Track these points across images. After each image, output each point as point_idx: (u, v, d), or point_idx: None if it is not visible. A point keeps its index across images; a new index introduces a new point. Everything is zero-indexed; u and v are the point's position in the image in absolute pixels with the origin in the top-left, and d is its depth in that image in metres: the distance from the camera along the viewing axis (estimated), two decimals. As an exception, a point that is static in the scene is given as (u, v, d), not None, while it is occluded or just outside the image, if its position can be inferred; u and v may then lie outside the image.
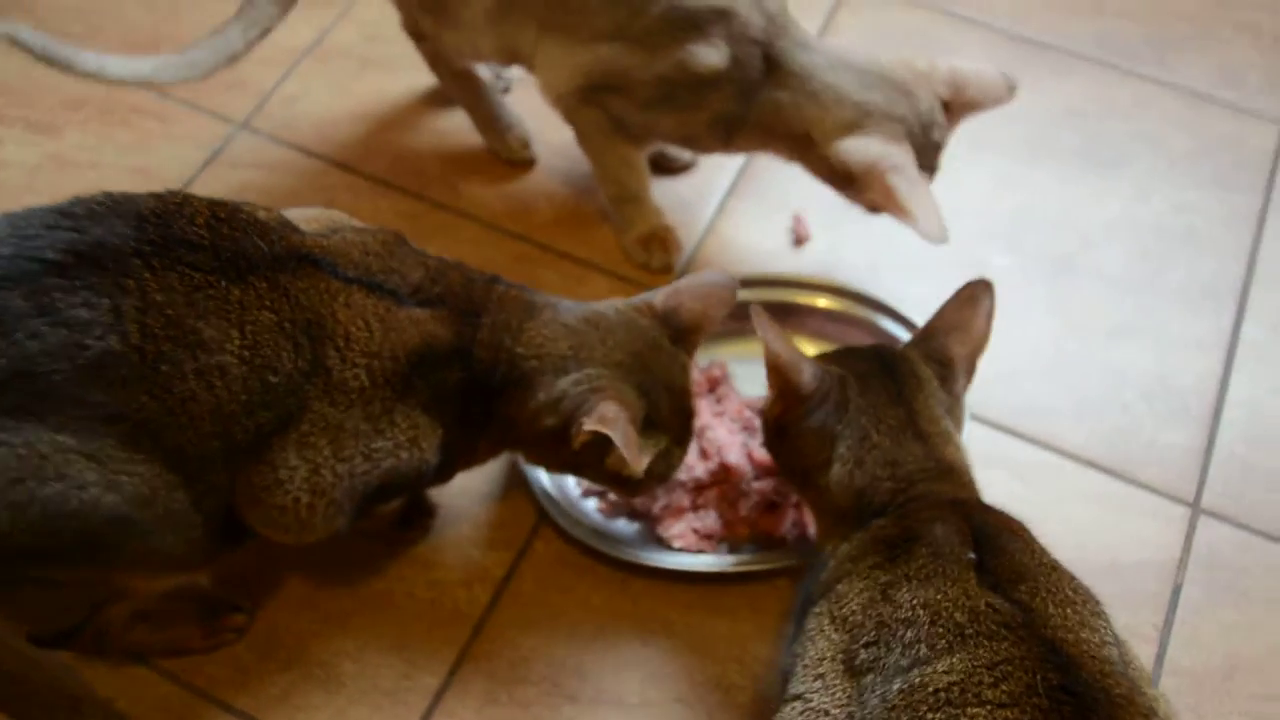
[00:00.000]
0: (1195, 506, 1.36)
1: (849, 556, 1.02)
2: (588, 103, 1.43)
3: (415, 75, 1.74)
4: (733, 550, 1.29)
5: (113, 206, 1.00)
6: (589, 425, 1.08)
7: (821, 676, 0.94)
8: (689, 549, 1.28)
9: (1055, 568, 0.96)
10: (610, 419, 1.07)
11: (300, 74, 1.75)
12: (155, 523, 1.01)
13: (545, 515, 1.32)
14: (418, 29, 1.57)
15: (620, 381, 1.13)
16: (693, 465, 1.31)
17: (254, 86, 1.73)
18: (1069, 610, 0.90)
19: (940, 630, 0.88)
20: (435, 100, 1.72)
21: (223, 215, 1.03)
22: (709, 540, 1.29)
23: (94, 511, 0.97)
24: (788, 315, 1.44)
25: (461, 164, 1.65)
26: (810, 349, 1.42)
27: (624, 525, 1.33)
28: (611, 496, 1.32)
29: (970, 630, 0.87)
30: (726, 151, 1.46)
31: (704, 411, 1.35)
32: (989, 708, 0.80)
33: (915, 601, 0.92)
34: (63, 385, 0.94)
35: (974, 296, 1.15)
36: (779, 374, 1.11)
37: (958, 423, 1.14)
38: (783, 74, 1.36)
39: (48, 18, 1.81)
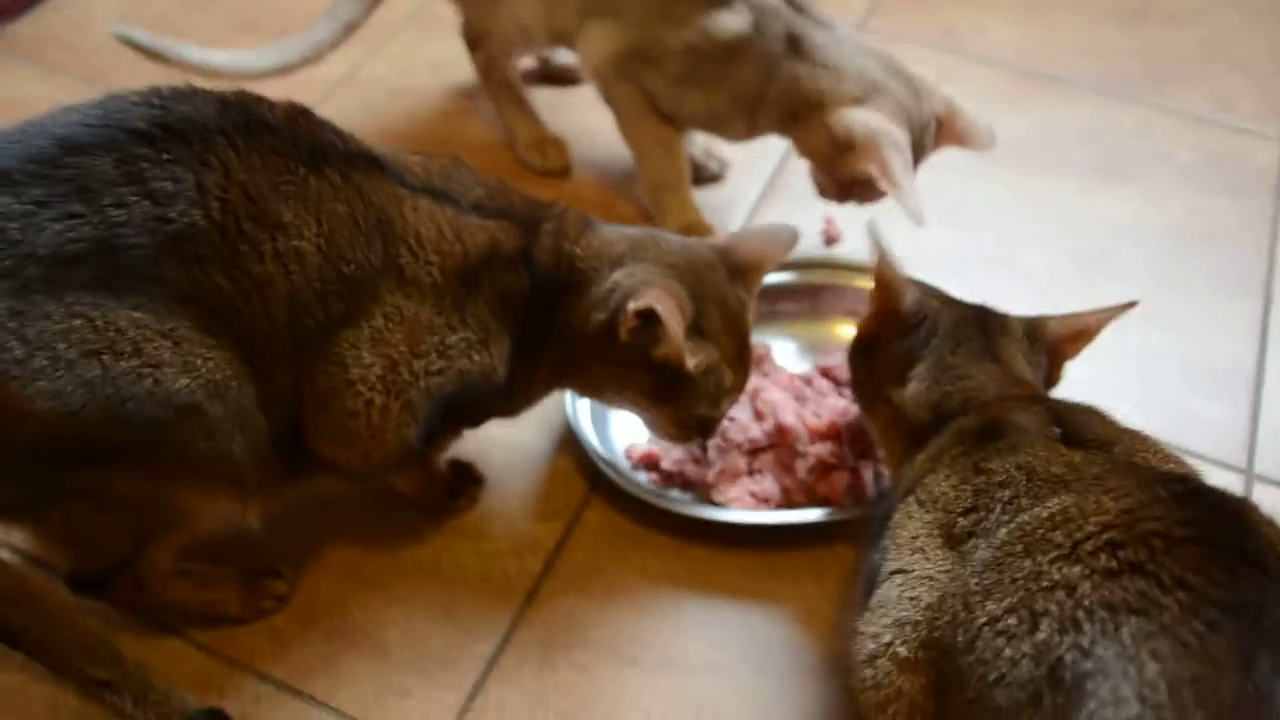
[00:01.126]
0: (1249, 473, 1.35)
1: (929, 457, 1.01)
2: (623, 76, 1.47)
3: (446, 101, 1.78)
4: (790, 514, 1.26)
5: (196, 90, 1.00)
6: (635, 304, 1.05)
7: (921, 550, 0.92)
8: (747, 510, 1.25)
9: (1139, 433, 0.95)
10: (657, 297, 1.05)
11: (333, 101, 1.79)
12: (224, 419, 0.97)
13: (598, 482, 1.29)
14: (475, 32, 1.63)
15: (671, 279, 1.11)
16: (748, 426, 1.29)
17: (287, 111, 1.76)
18: (1166, 456, 0.89)
19: (1041, 482, 0.88)
20: (468, 120, 1.75)
21: (298, 109, 1.03)
22: (766, 504, 1.26)
23: (167, 395, 0.93)
24: (822, 295, 1.46)
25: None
26: (850, 327, 1.44)
27: (678, 495, 1.29)
28: (665, 462, 1.29)
29: (1072, 476, 0.87)
30: (751, 134, 1.49)
31: (755, 378, 1.33)
32: (1112, 514, 0.78)
33: (1009, 465, 0.91)
34: (142, 261, 0.92)
35: (1108, 309, 1.13)
36: (883, 291, 1.13)
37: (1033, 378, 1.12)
38: (804, 49, 1.42)
39: (87, 54, 1.85)
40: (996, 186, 1.69)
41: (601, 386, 1.19)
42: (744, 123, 1.47)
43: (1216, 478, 1.31)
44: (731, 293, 1.16)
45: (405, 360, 1.03)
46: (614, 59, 1.46)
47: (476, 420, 1.20)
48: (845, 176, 1.42)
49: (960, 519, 0.89)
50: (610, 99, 1.51)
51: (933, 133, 1.45)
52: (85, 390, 0.90)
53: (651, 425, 1.23)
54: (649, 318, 1.06)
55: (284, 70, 1.61)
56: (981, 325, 1.12)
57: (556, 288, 1.12)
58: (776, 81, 1.42)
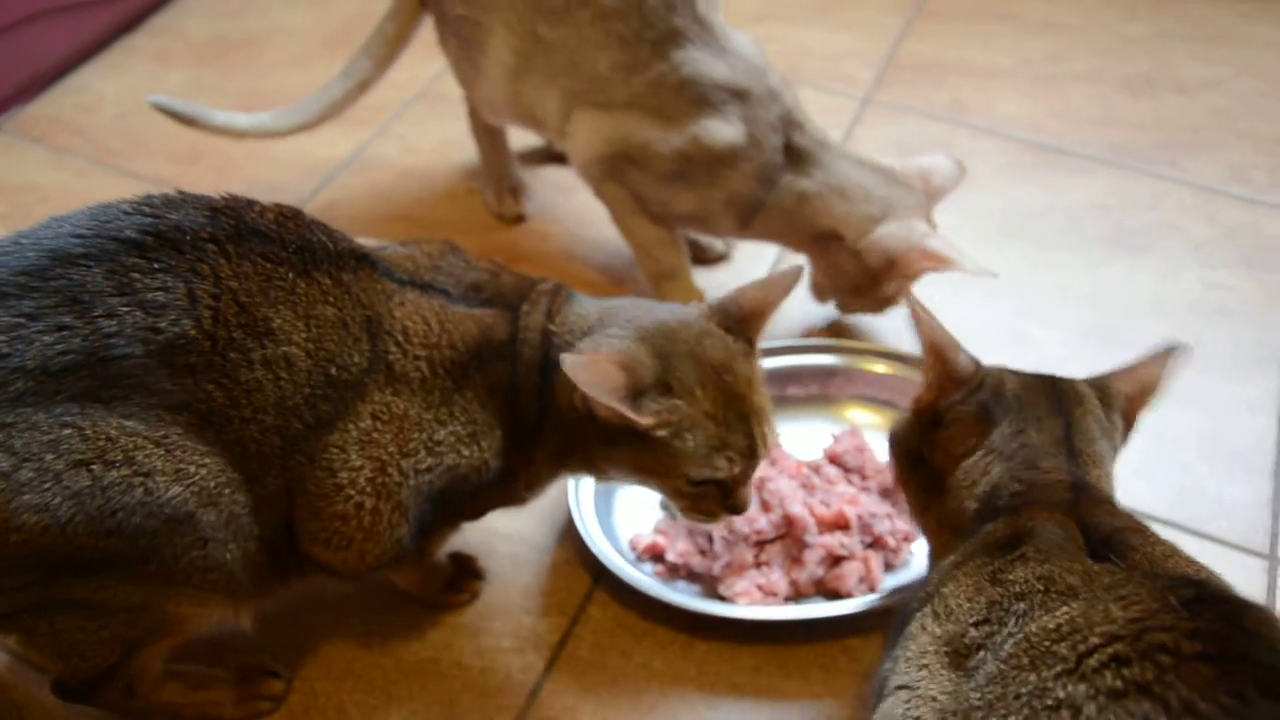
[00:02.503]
0: (1273, 558, 1.31)
1: (953, 564, 0.97)
2: (611, 176, 1.46)
3: (452, 182, 1.78)
4: (799, 608, 1.23)
5: (187, 198, 1.00)
6: (565, 362, 0.99)
7: (926, 667, 0.88)
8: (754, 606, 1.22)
9: (1178, 551, 0.91)
10: (573, 362, 0.98)
11: (339, 184, 1.79)
12: (217, 527, 0.96)
13: (601, 575, 1.26)
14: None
15: (631, 341, 1.05)
16: (755, 518, 1.26)
17: (294, 193, 1.76)
18: (1192, 565, 0.85)
19: (1055, 594, 0.84)
20: (474, 201, 1.75)
21: (288, 213, 1.03)
22: (773, 597, 1.23)
23: (158, 505, 0.92)
24: (831, 379, 1.44)
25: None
26: (860, 412, 1.42)
27: (684, 588, 1.26)
28: (670, 554, 1.26)
29: (1084, 586, 0.83)
30: (741, 236, 1.49)
31: (761, 467, 1.31)
32: (1119, 623, 0.75)
33: (1030, 575, 0.87)
34: (134, 371, 0.92)
35: (1162, 353, 1.08)
36: (936, 356, 1.06)
37: (1112, 451, 1.06)
38: (807, 166, 1.41)
39: (97, 137, 1.87)
40: (1009, 259, 1.67)
41: (599, 464, 1.13)
42: (735, 224, 1.45)
43: (1239, 564, 1.30)
44: (717, 345, 1.08)
45: (394, 460, 1.02)
46: (601, 159, 1.45)
47: (476, 513, 1.18)
48: (891, 292, 1.44)
49: (971, 630, 0.86)
50: (600, 195, 1.51)
51: (929, 208, 1.46)
52: (73, 502, 0.89)
53: (670, 503, 1.17)
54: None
55: (302, 129, 1.65)
56: (1056, 397, 1.05)
57: (544, 371, 1.09)
58: (777, 193, 1.41)
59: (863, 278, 1.44)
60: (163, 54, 2.05)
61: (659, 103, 1.39)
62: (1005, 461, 1.01)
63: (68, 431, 0.89)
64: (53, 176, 1.81)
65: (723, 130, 1.38)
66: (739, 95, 1.39)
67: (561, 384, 1.06)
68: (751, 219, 1.44)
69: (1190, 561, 0.91)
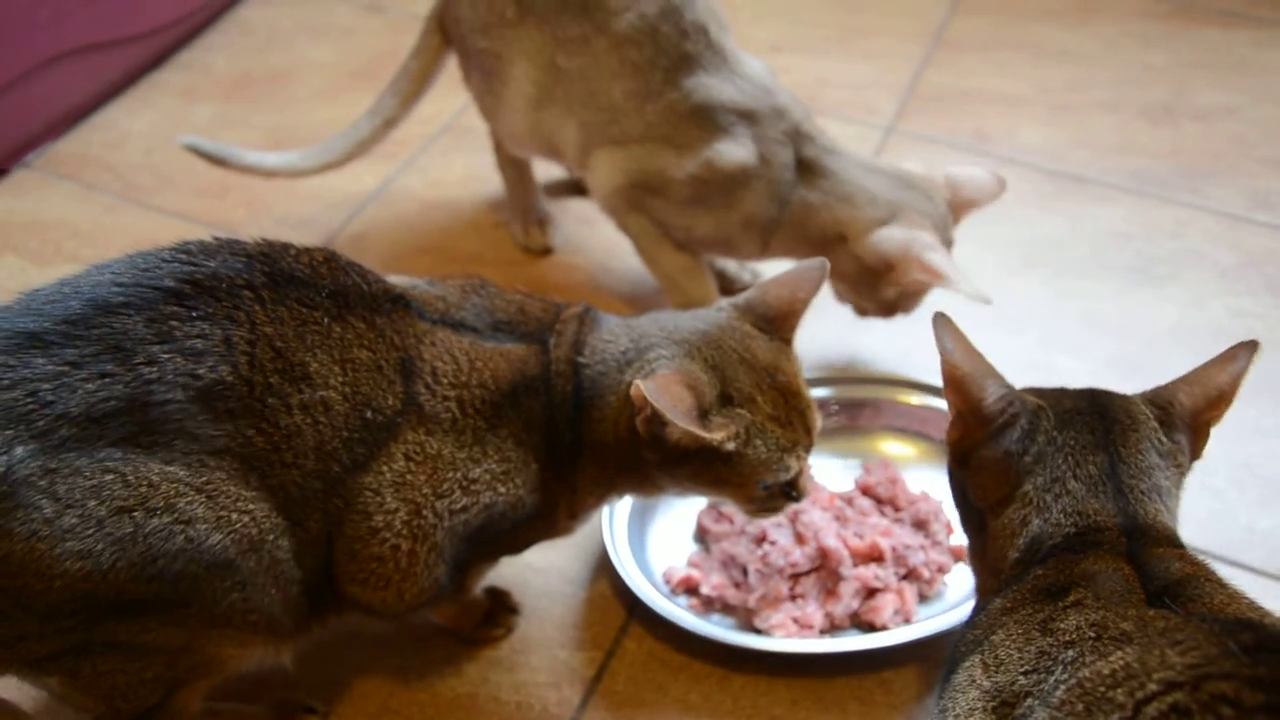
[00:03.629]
0: (1308, 588, 1.31)
1: (1002, 609, 0.94)
2: (633, 206, 1.49)
3: (478, 214, 1.80)
4: (835, 641, 1.23)
5: (224, 244, 1.02)
6: (633, 393, 1.00)
7: None
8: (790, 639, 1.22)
9: (1241, 595, 0.89)
10: (648, 387, 0.99)
11: (366, 215, 1.80)
12: (258, 571, 0.97)
13: (636, 609, 1.26)
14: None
15: (684, 359, 1.06)
16: (789, 550, 1.26)
17: (322, 227, 1.78)
18: (1255, 609, 0.84)
19: (1108, 639, 0.82)
20: (500, 233, 1.76)
21: (322, 257, 1.04)
22: (809, 630, 1.22)
23: (199, 552, 0.93)
24: (862, 410, 1.44)
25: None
26: (892, 443, 1.43)
27: (719, 621, 1.26)
28: (705, 587, 1.27)
29: (1138, 631, 0.81)
30: (764, 257, 1.51)
31: (794, 500, 1.31)
32: (1177, 669, 0.73)
33: (1079, 623, 0.84)
34: (175, 416, 0.93)
35: (1230, 355, 1.00)
36: (957, 389, 1.00)
37: (1177, 475, 0.99)
38: (814, 177, 1.44)
39: (125, 173, 1.89)
40: (1033, 289, 1.68)
41: (661, 485, 1.13)
42: (756, 245, 1.47)
43: (1273, 593, 1.30)
44: (760, 346, 1.10)
45: (429, 502, 1.02)
46: (620, 191, 1.48)
47: (517, 548, 1.18)
48: (890, 296, 1.44)
49: (1021, 678, 0.84)
50: (624, 229, 1.53)
51: (951, 221, 1.47)
52: (115, 548, 0.89)
53: (729, 506, 1.18)
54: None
55: (329, 167, 1.68)
56: (1100, 417, 0.97)
57: (578, 402, 1.09)
58: (790, 209, 1.44)
59: (862, 278, 1.45)
60: (189, 90, 2.07)
61: (672, 131, 1.43)
62: (1042, 513, 0.95)
63: (110, 477, 0.90)
64: (82, 212, 1.83)
65: (734, 152, 1.41)
66: (747, 116, 1.43)
67: (609, 412, 1.07)
68: (770, 238, 1.47)
69: (1254, 606, 0.88)
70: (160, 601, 0.94)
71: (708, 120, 1.41)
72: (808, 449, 1.11)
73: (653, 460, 1.08)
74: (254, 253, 1.01)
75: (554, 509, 1.13)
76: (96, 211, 1.82)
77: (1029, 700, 0.82)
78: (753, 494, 1.10)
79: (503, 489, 1.06)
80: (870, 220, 1.42)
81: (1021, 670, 0.85)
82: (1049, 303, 1.67)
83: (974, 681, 0.89)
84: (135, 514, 0.90)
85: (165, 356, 0.93)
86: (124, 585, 0.91)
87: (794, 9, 2.27)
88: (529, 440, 1.08)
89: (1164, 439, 0.98)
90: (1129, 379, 1.54)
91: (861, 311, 1.51)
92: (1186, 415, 1.00)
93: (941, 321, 1.00)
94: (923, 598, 1.27)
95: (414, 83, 1.66)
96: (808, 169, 1.44)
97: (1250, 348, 0.99)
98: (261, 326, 0.97)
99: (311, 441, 0.98)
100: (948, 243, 1.46)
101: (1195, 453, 1.01)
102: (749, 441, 1.06)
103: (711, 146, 1.41)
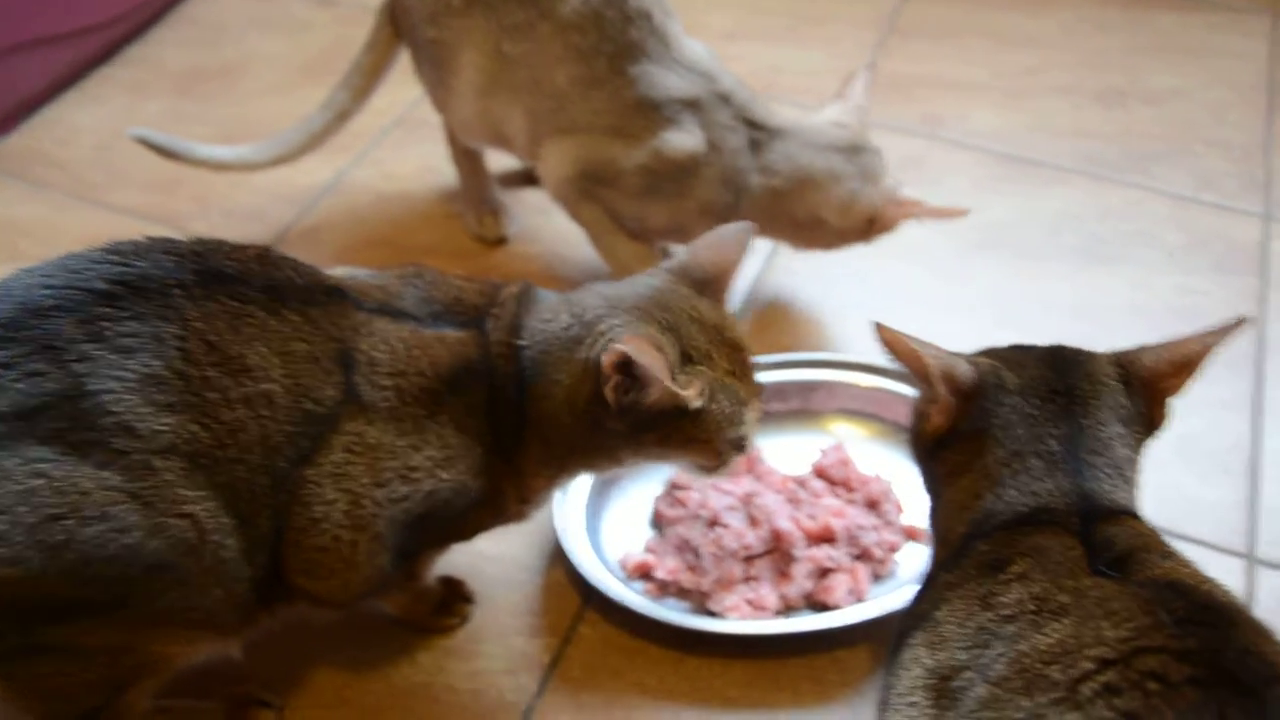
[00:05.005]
0: (1250, 558, 1.33)
1: (947, 585, 0.93)
2: (585, 196, 1.49)
3: (432, 206, 1.79)
4: (789, 622, 1.24)
5: (156, 244, 1.01)
6: (606, 359, 1.00)
7: (915, 704, 0.87)
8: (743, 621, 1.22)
9: (1186, 567, 0.89)
10: (628, 346, 0.99)
11: (319, 210, 1.79)
12: (198, 573, 0.96)
13: (591, 595, 1.27)
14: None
15: (639, 324, 1.06)
16: (742, 532, 1.27)
17: (275, 221, 1.77)
18: (1185, 565, 0.86)
19: (1045, 614, 0.82)
20: (454, 225, 1.76)
21: (255, 254, 1.04)
22: (763, 611, 1.23)
23: (136, 557, 0.92)
24: (814, 393, 1.45)
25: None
26: (844, 425, 1.43)
27: (674, 605, 1.26)
28: (659, 571, 1.27)
29: (1075, 602, 0.82)
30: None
31: (748, 482, 1.32)
32: (1109, 644, 0.74)
33: (1020, 596, 0.84)
34: (111, 407, 0.92)
35: (1214, 329, 0.97)
36: (950, 380, 0.95)
37: (1137, 441, 0.97)
38: (773, 164, 1.46)
39: (75, 170, 1.87)
40: (988, 271, 1.69)
41: (620, 458, 1.12)
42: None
43: (1218, 564, 1.32)
44: (703, 305, 1.10)
45: (368, 492, 1.02)
46: (571, 181, 1.48)
47: (464, 535, 1.17)
48: (870, 240, 1.53)
49: (960, 653, 0.85)
50: (576, 219, 1.53)
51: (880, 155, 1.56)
52: (47, 554, 0.88)
53: (685, 469, 1.17)
54: (627, 369, 1.01)
55: (282, 161, 1.67)
56: (1066, 396, 0.94)
57: (520, 384, 1.08)
58: (750, 195, 1.45)
59: (844, 239, 1.53)
60: (139, 85, 2.05)
61: (619, 120, 1.43)
62: (996, 488, 0.93)
63: (40, 483, 0.89)
64: (31, 211, 1.81)
65: (682, 140, 1.42)
66: (693, 104, 1.44)
67: (558, 390, 1.06)
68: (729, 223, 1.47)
69: (1195, 575, 0.87)
70: (97, 604, 0.93)
71: (654, 110, 1.42)
72: (759, 400, 1.12)
73: (619, 430, 1.06)
74: (186, 252, 1.00)
75: (501, 493, 1.13)
76: (46, 210, 1.80)
77: (967, 673, 0.82)
78: (717, 449, 1.09)
79: (445, 475, 1.06)
80: (847, 196, 1.47)
81: (961, 646, 0.86)
82: (1003, 284, 1.68)
83: (918, 659, 0.89)
84: (67, 522, 0.89)
85: (98, 353, 0.92)
86: (58, 589, 0.90)
87: (748, -3, 2.28)
88: (472, 425, 1.08)
89: (1126, 402, 0.96)
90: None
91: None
92: (1146, 378, 0.97)
93: (884, 328, 0.97)
94: (876, 577, 1.27)
95: (366, 76, 1.65)
96: (764, 154, 1.45)
97: (1236, 323, 0.96)
98: (193, 322, 0.96)
99: (256, 435, 0.97)
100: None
101: (1154, 421, 0.99)
102: (714, 397, 1.06)
103: (659, 136, 1.42)
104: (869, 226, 1.49)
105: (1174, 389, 0.99)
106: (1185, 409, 1.47)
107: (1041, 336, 1.57)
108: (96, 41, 2.05)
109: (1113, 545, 0.89)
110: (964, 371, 0.96)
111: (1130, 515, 0.94)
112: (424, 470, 1.05)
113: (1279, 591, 1.29)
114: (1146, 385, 0.97)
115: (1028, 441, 0.93)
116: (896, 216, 1.48)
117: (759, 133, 1.46)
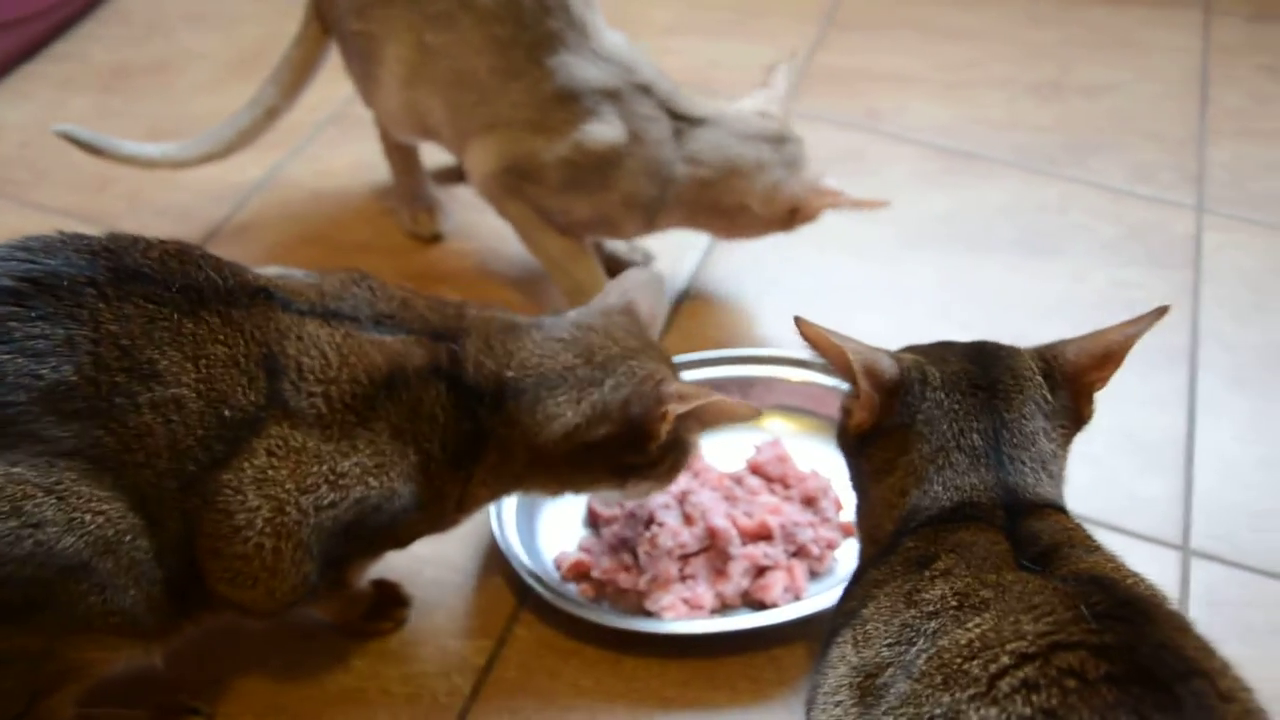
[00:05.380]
0: (1185, 549, 1.34)
1: (874, 582, 0.94)
2: (511, 193, 1.48)
3: (367, 202, 1.77)
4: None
5: (68, 240, 0.98)
6: (679, 409, 1.09)
7: (840, 704, 0.86)
8: (680, 620, 1.22)
9: (1110, 561, 0.90)
10: (690, 392, 1.11)
11: (252, 208, 1.76)
12: (116, 573, 0.94)
13: (527, 596, 1.25)
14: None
15: (653, 363, 1.14)
16: (678, 531, 1.26)
17: (206, 219, 1.74)
18: (1109, 560, 0.86)
19: (967, 609, 0.82)
20: (389, 222, 1.74)
21: (174, 250, 1.01)
22: (699, 610, 1.22)
23: (50, 556, 0.89)
24: (752, 389, 1.45)
25: (422, 286, 1.65)
26: (780, 421, 1.43)
27: (610, 605, 1.25)
28: (595, 571, 1.26)
29: (997, 597, 0.82)
30: (650, 232, 1.53)
31: (684, 480, 1.31)
32: (1028, 639, 0.74)
33: (943, 592, 0.85)
34: (19, 417, 0.89)
35: (1135, 319, 0.98)
36: (868, 372, 0.95)
37: (1062, 436, 0.97)
38: (697, 154, 1.46)
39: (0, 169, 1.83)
40: (923, 266, 1.70)
41: (573, 485, 1.19)
42: (640, 223, 1.49)
43: (1153, 556, 1.33)
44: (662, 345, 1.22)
45: (292, 498, 1.00)
46: (495, 176, 1.47)
47: (399, 542, 1.16)
48: (793, 228, 1.53)
49: (885, 650, 0.85)
50: (503, 215, 1.52)
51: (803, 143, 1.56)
52: None
53: (624, 495, 1.23)
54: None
55: (211, 159, 1.65)
56: (988, 391, 0.94)
57: (490, 398, 1.10)
58: (675, 186, 1.45)
59: (769, 228, 1.53)
60: (67, 81, 2.01)
61: (539, 114, 1.43)
62: (922, 484, 0.93)
63: None
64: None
65: (603, 132, 1.41)
66: (613, 95, 1.43)
67: (555, 426, 1.10)
68: (655, 215, 1.48)
69: (1118, 568, 0.88)
70: (12, 608, 0.90)
71: (574, 102, 1.41)
72: None
73: (637, 463, 1.14)
74: (99, 248, 0.98)
75: (441, 500, 1.12)
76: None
77: (890, 670, 0.82)
78: (678, 471, 1.19)
79: (374, 482, 1.04)
80: (767, 186, 1.47)
81: (886, 643, 0.86)
82: (939, 277, 1.69)
83: (844, 658, 0.89)
84: None
85: (5, 357, 0.90)
86: None
87: (690, -9, 2.27)
88: (410, 431, 1.07)
89: (1049, 397, 0.96)
90: (1014, 350, 1.58)
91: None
92: (1069, 372, 0.97)
93: (804, 323, 0.96)
94: (813, 574, 1.27)
95: (295, 72, 1.63)
96: (689, 144, 1.45)
97: (1158, 313, 0.97)
98: (106, 325, 0.94)
99: (164, 440, 0.94)
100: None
101: (1080, 415, 0.99)
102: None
103: (579, 129, 1.41)
104: (791, 216, 1.49)
105: (1099, 382, 0.99)
106: (1121, 403, 1.49)
107: (979, 329, 1.58)
108: (21, 36, 2.00)
109: (1038, 540, 0.89)
110: (887, 367, 0.96)
111: (1056, 510, 0.95)
112: (353, 476, 1.03)
113: (1212, 582, 1.31)
114: (1071, 379, 0.97)
115: (951, 437, 0.94)
116: (819, 206, 1.49)
117: (682, 123, 1.46)
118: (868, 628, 0.89)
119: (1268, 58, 2.13)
